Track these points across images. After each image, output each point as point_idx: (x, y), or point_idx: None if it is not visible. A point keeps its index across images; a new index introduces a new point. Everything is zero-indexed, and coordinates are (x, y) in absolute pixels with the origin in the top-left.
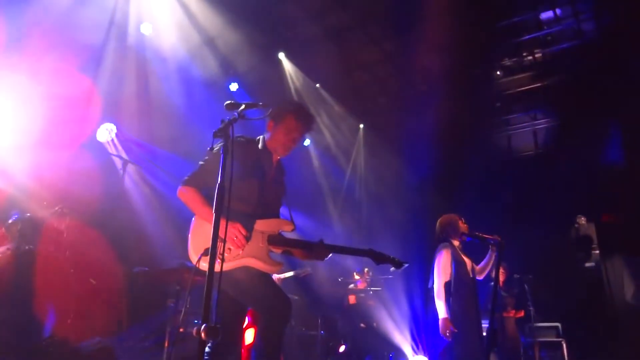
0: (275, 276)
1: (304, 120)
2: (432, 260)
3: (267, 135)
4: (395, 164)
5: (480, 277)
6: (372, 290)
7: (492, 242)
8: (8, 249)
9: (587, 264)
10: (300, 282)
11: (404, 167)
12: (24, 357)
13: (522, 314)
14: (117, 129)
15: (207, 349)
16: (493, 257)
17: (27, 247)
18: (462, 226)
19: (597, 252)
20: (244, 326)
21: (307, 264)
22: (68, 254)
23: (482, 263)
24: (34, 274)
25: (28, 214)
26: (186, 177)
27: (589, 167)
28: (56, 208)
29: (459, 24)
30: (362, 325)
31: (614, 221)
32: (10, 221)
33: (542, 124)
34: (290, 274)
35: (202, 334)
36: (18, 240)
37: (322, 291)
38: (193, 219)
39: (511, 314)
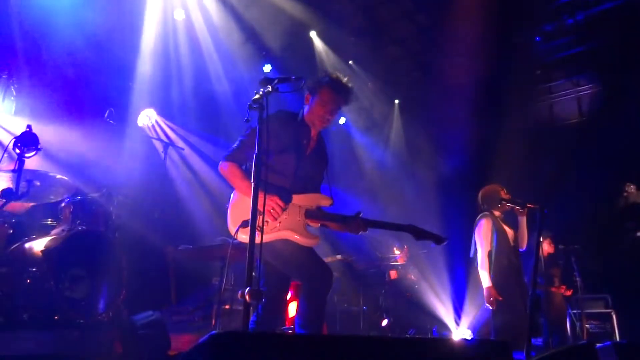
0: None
1: (340, 91)
2: (473, 231)
3: (305, 109)
4: (433, 138)
5: (522, 247)
6: (413, 265)
7: (524, 208)
8: (63, 230)
9: (638, 233)
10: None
11: (441, 140)
12: (83, 330)
13: (570, 292)
14: (156, 114)
15: (252, 319)
16: (524, 223)
17: (79, 228)
18: (505, 196)
19: None
20: (288, 299)
21: (350, 249)
22: (117, 234)
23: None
24: (87, 252)
25: (79, 197)
26: (227, 153)
27: (636, 133)
28: (103, 190)
29: None
30: (408, 294)
31: None
32: (63, 204)
33: (585, 90)
34: (338, 257)
35: (247, 296)
36: (71, 222)
37: (363, 267)
38: (232, 193)
39: (562, 290)
